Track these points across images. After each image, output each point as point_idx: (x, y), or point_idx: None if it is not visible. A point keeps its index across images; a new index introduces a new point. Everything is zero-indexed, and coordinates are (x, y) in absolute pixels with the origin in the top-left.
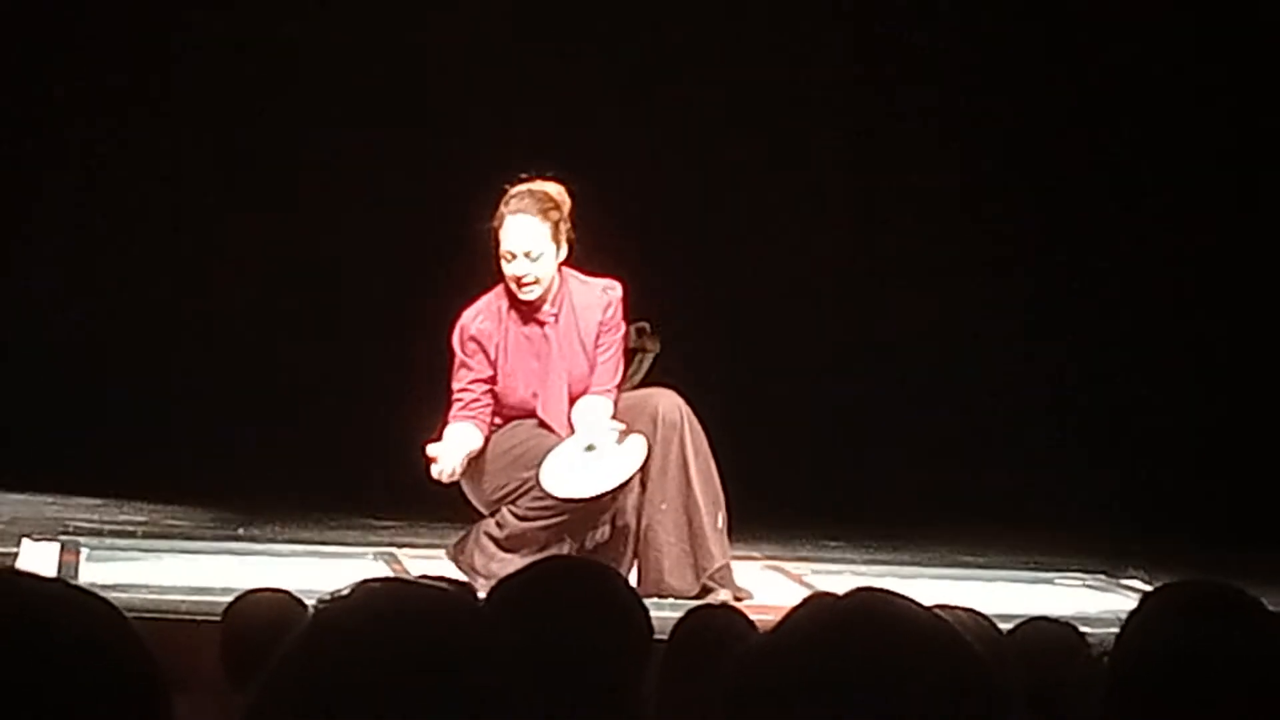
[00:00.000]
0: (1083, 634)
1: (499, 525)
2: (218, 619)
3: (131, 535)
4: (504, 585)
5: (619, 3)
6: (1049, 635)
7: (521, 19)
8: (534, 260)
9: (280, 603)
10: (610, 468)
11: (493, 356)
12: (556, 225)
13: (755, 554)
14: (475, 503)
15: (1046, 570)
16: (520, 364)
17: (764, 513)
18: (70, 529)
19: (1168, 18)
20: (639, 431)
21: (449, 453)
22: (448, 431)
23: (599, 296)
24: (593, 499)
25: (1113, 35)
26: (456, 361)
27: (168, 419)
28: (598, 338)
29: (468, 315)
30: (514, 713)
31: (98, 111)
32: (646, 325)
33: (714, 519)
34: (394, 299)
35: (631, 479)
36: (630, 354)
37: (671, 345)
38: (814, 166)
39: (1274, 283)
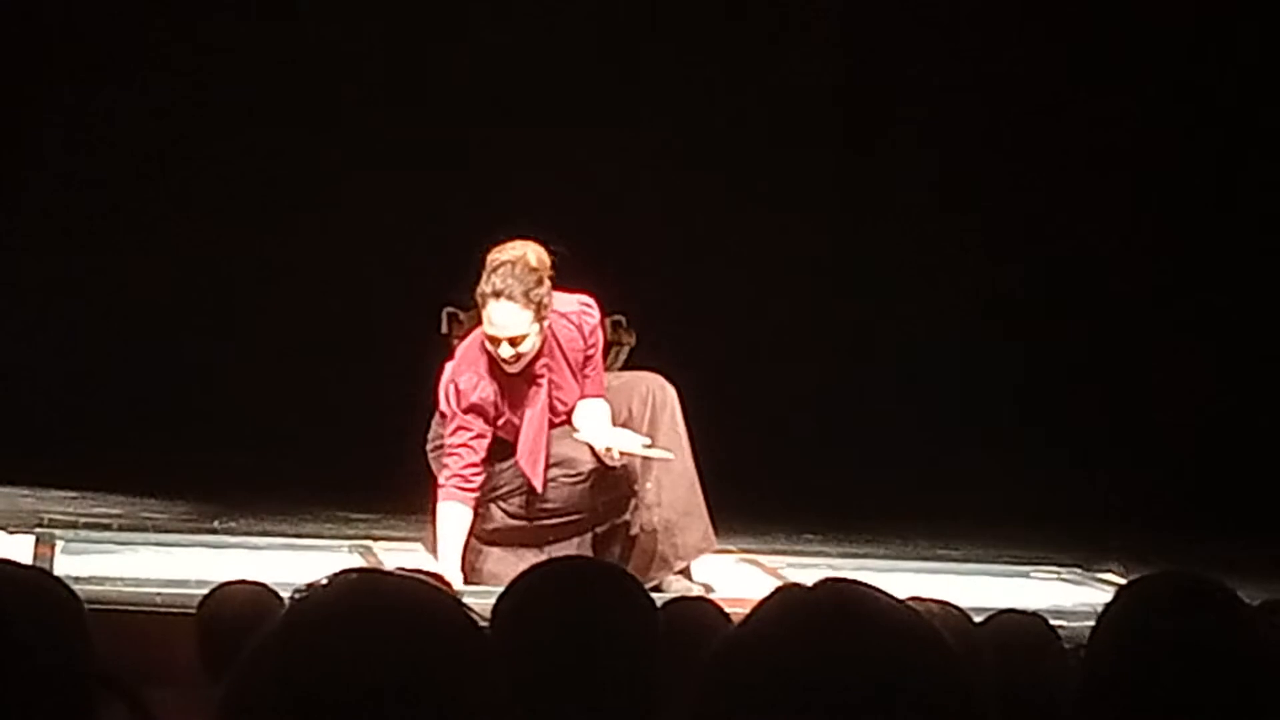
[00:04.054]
0: (1053, 626)
1: (482, 518)
2: (193, 611)
3: (107, 528)
4: (519, 585)
5: None
6: (1020, 628)
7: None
8: (517, 345)
9: (256, 595)
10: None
11: (490, 415)
12: (539, 306)
13: (731, 547)
14: None
15: (1022, 564)
16: (512, 413)
17: (740, 506)
18: (46, 521)
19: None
20: (631, 415)
21: (452, 560)
22: (444, 515)
23: (579, 325)
24: (619, 452)
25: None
26: (451, 419)
27: (143, 412)
28: (584, 362)
29: (466, 382)
30: (490, 705)
31: (94, 105)
32: (622, 319)
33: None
34: (368, 293)
35: (648, 462)
36: (607, 346)
37: (648, 338)
38: (800, 161)
39: (1252, 279)
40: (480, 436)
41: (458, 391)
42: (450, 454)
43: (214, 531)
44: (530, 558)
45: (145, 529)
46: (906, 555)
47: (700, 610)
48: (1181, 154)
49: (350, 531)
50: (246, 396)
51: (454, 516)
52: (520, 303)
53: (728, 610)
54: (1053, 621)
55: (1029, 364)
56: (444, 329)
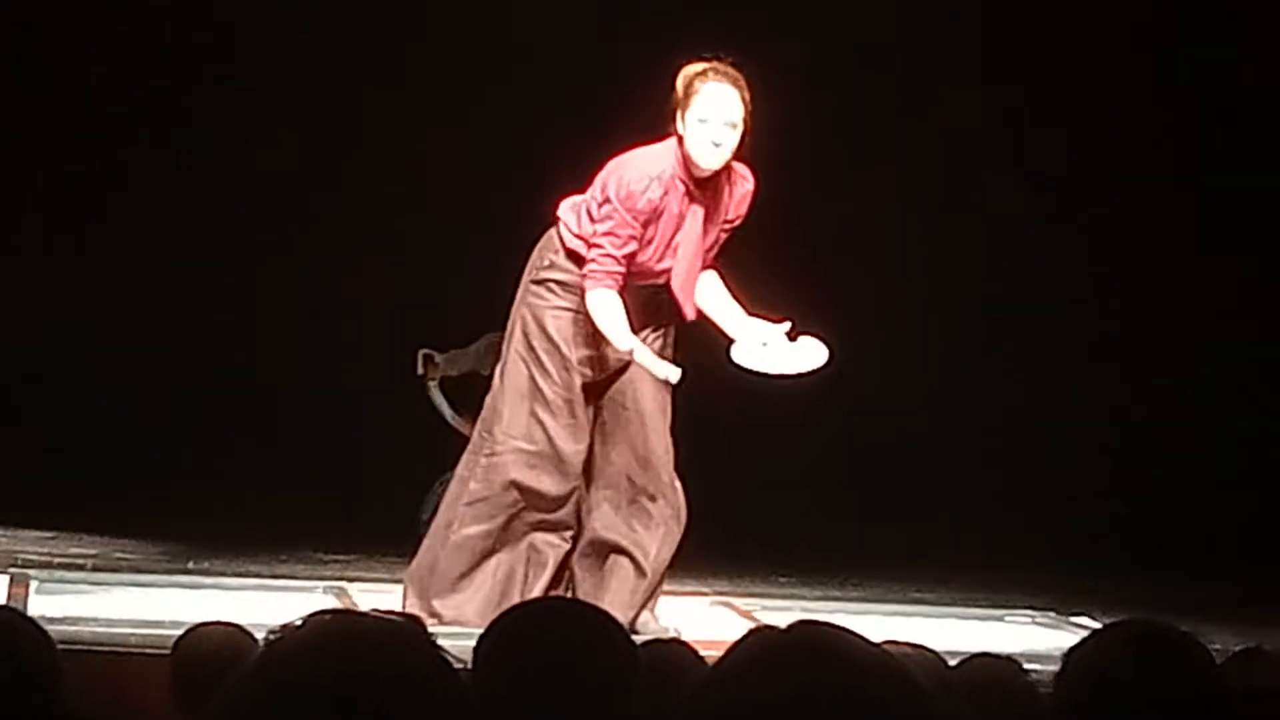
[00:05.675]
0: (1027, 670)
1: (439, 538)
2: (168, 652)
3: (81, 568)
4: (498, 626)
5: None
6: (994, 671)
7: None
8: (733, 128)
9: (230, 635)
10: (797, 357)
11: (649, 228)
12: (748, 110)
13: (705, 590)
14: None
15: (996, 607)
16: (666, 236)
17: (714, 548)
18: (19, 561)
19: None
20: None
21: (623, 332)
22: (603, 302)
23: (739, 185)
24: (786, 376)
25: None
26: (613, 218)
27: (118, 452)
28: (726, 224)
29: (639, 182)
30: None
31: (92, 127)
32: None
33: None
34: (341, 335)
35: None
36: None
37: None
38: (812, 193)
39: (1231, 312)
40: (631, 241)
41: (631, 194)
42: (595, 245)
43: (188, 572)
44: (513, 595)
45: (120, 569)
46: (880, 598)
47: (675, 652)
48: (1179, 173)
49: (325, 572)
50: (222, 437)
51: (609, 301)
52: (738, 91)
53: (702, 653)
54: (1027, 665)
55: (1004, 408)
56: (420, 370)
